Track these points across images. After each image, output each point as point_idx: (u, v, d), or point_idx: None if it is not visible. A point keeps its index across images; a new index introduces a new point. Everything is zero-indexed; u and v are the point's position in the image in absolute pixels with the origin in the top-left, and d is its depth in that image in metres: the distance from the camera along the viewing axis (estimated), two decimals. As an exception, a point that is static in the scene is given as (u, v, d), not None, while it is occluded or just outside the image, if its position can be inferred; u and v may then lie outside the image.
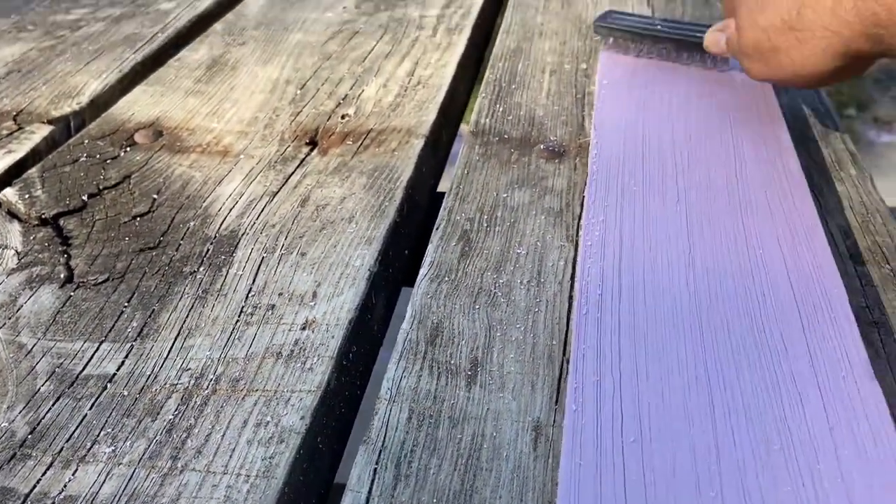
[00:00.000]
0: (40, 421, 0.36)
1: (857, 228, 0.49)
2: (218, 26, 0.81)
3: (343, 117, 0.62)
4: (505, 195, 0.52)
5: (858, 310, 0.42)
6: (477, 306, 0.43)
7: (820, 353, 0.36)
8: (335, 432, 0.38)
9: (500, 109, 0.63)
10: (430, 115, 0.62)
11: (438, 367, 0.39)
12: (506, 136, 0.59)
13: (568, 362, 0.39)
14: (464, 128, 0.66)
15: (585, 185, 0.52)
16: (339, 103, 0.65)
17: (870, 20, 0.43)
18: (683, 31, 0.66)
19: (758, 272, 0.42)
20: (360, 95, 0.66)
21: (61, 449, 0.35)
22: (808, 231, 0.44)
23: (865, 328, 0.41)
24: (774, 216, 0.46)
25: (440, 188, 0.63)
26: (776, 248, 0.43)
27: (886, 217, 0.50)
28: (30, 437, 0.35)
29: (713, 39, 0.61)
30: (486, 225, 0.49)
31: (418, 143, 0.58)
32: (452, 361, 0.39)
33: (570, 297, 0.43)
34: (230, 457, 0.34)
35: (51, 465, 0.34)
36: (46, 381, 0.38)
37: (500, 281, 0.45)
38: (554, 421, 0.36)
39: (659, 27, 0.67)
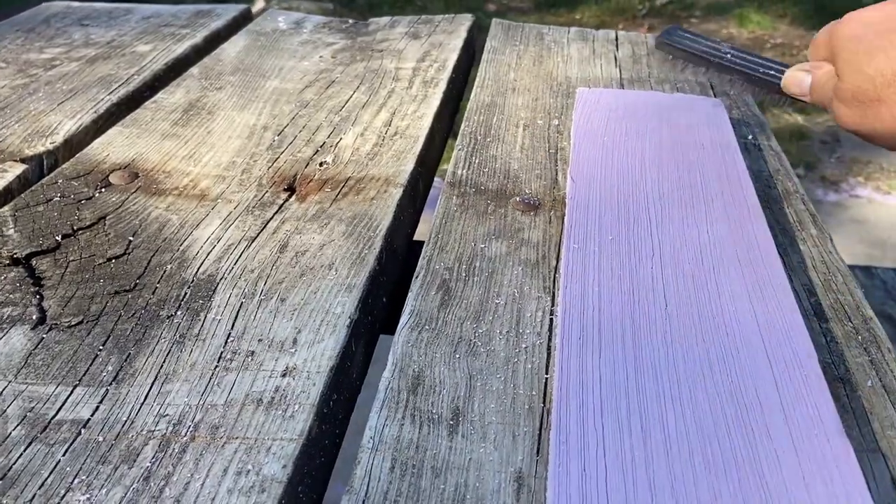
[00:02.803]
0: (11, 467, 0.35)
1: (820, 286, 0.51)
2: (195, 70, 0.81)
3: (321, 164, 0.63)
4: (482, 245, 0.53)
5: (825, 365, 0.44)
6: (457, 355, 0.43)
7: (793, 409, 0.37)
8: (315, 481, 0.38)
9: (476, 161, 0.65)
10: (408, 165, 0.63)
11: (420, 416, 0.39)
12: (482, 188, 0.61)
13: (548, 413, 0.39)
14: (438, 179, 0.67)
15: (561, 237, 0.54)
16: (317, 150, 0.65)
17: None
18: (756, 66, 0.61)
19: (731, 327, 0.43)
20: (337, 143, 0.66)
21: (34, 496, 0.34)
22: (776, 289, 0.46)
23: (832, 383, 0.43)
24: (745, 274, 0.47)
25: (416, 236, 0.64)
26: (748, 304, 0.45)
27: (847, 276, 0.52)
28: (0, 483, 0.34)
29: (794, 79, 0.57)
30: (464, 275, 0.50)
31: (397, 193, 0.59)
32: (434, 410, 0.39)
33: (549, 348, 0.44)
34: (210, 506, 0.33)
35: (21, 513, 0.33)
36: (17, 425, 0.37)
37: (480, 330, 0.45)
38: (536, 472, 0.36)
39: (729, 56, 0.62)
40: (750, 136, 0.72)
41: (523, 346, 0.44)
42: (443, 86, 0.80)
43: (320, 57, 0.87)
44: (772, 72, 0.60)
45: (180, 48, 0.87)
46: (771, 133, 0.74)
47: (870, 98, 0.47)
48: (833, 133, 2.79)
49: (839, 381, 0.43)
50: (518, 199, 0.59)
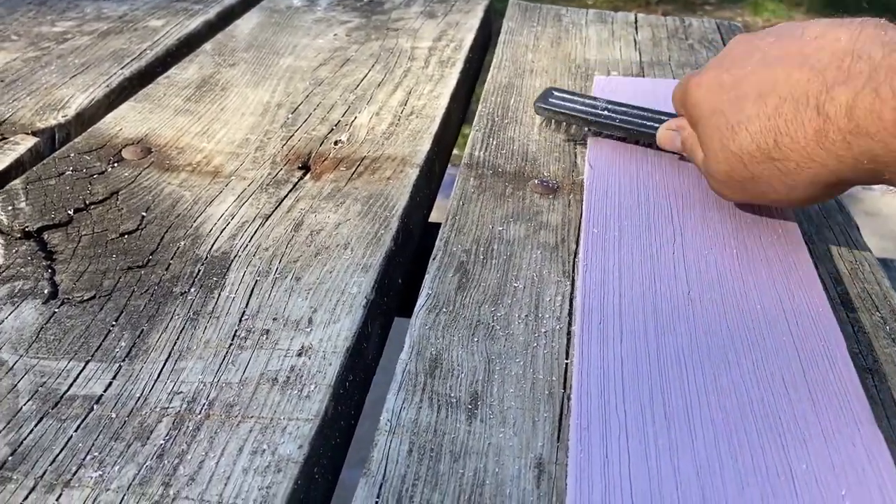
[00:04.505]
0: (22, 442, 0.34)
1: (847, 275, 0.50)
2: (208, 46, 0.80)
3: (336, 143, 0.62)
4: (500, 228, 0.52)
5: (852, 355, 0.43)
6: (475, 339, 0.42)
7: (821, 397, 0.36)
8: (331, 462, 0.37)
9: (494, 143, 0.64)
10: (425, 145, 0.62)
11: (438, 400, 0.38)
12: (500, 170, 0.60)
13: (568, 399, 0.39)
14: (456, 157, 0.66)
15: (580, 221, 0.53)
16: (332, 129, 0.64)
17: (865, 155, 0.38)
18: (633, 120, 0.59)
19: (756, 313, 0.42)
20: (352, 122, 0.65)
21: (45, 472, 0.33)
22: (803, 275, 0.45)
23: (860, 374, 0.42)
24: (770, 260, 0.46)
25: (432, 218, 0.63)
26: (773, 290, 0.44)
27: (874, 265, 0.51)
28: (10, 458, 0.33)
29: (667, 138, 0.55)
30: (482, 257, 0.49)
31: (413, 173, 0.58)
32: (452, 394, 0.39)
33: (569, 333, 0.43)
34: (225, 485, 0.32)
35: (33, 488, 0.32)
36: (29, 400, 0.37)
37: (498, 314, 0.44)
38: (556, 458, 0.35)
39: (605, 112, 0.60)
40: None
41: (542, 330, 0.43)
42: (459, 66, 0.78)
43: (335, 35, 0.86)
44: (647, 126, 0.58)
45: (193, 24, 0.86)
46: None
47: (744, 177, 0.45)
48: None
49: (867, 372, 0.42)
50: (536, 181, 0.58)
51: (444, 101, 0.70)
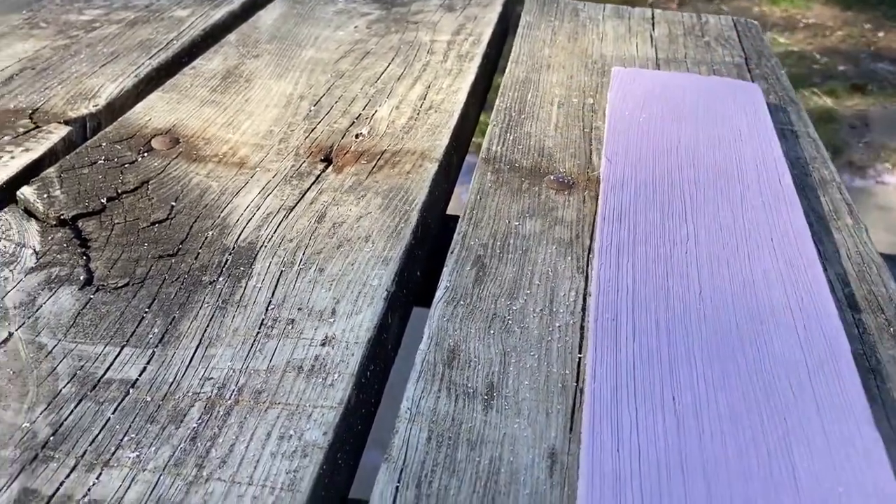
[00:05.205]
0: (62, 423, 0.36)
1: (854, 277, 0.51)
2: (232, 37, 0.82)
3: (357, 136, 0.63)
4: (517, 223, 0.54)
5: (857, 356, 0.44)
6: (492, 332, 0.44)
7: (824, 397, 0.38)
8: (353, 448, 0.39)
9: (511, 138, 0.65)
10: (443, 140, 0.63)
11: (456, 390, 0.40)
12: (516, 165, 0.61)
13: (581, 392, 0.40)
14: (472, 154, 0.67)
15: (595, 218, 0.54)
16: (353, 122, 0.66)
17: None
18: None
19: (765, 314, 0.43)
20: (373, 115, 0.67)
21: (84, 452, 0.35)
22: (811, 278, 0.46)
23: (863, 374, 0.43)
24: (779, 262, 0.48)
25: (449, 210, 0.65)
26: (782, 292, 0.45)
27: (881, 267, 0.52)
28: (52, 438, 0.36)
29: None
30: (499, 251, 0.51)
31: (432, 167, 0.59)
32: (469, 384, 0.40)
33: (582, 328, 0.45)
34: (255, 468, 0.34)
35: (74, 467, 0.34)
36: (68, 382, 0.39)
37: (514, 308, 0.46)
38: (569, 449, 0.37)
39: None
40: (787, 122, 0.72)
41: (557, 324, 0.45)
42: (478, 60, 0.80)
43: (355, 27, 0.87)
44: None
45: (218, 14, 0.87)
46: (808, 119, 0.73)
47: None
48: (863, 117, 2.75)
49: (870, 373, 0.44)
50: (552, 177, 0.60)
51: (462, 97, 0.71)
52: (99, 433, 0.36)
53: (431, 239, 0.58)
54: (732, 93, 0.70)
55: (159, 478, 0.34)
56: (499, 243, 0.52)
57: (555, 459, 0.37)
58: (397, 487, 0.34)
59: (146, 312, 0.43)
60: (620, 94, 0.70)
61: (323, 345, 0.42)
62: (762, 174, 0.57)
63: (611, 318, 0.43)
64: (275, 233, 0.51)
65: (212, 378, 0.39)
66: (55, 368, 0.39)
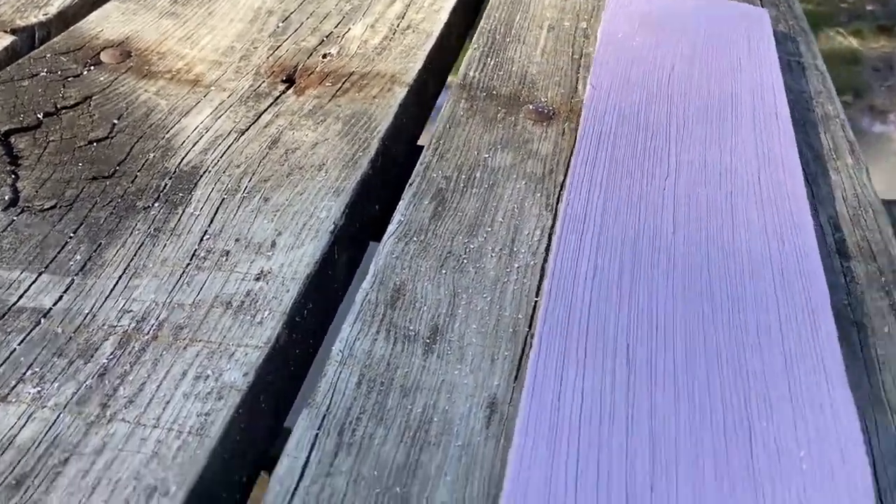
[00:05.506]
0: (-36, 353, 0.34)
1: (848, 222, 0.47)
2: (203, -54, 0.76)
3: (325, 56, 0.59)
4: (486, 155, 0.50)
5: (840, 308, 0.41)
6: (444, 271, 0.41)
7: (795, 354, 0.34)
8: (280, 392, 0.36)
9: (492, 63, 0.60)
10: (417, 63, 0.59)
11: (396, 332, 0.37)
12: (494, 93, 0.57)
13: (532, 338, 0.37)
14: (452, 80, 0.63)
15: (572, 152, 0.50)
16: (323, 41, 0.61)
17: None
18: None
19: (741, 260, 0.40)
20: (345, 34, 0.62)
21: (-17, 386, 0.32)
22: (798, 223, 0.42)
23: (845, 327, 0.40)
24: (765, 204, 0.44)
25: (421, 142, 0.61)
26: (763, 236, 0.41)
27: (879, 212, 0.48)
28: (-49, 369, 0.33)
29: None
30: (462, 185, 0.47)
31: (401, 92, 0.55)
32: (411, 327, 0.37)
33: (543, 269, 0.41)
34: (164, 409, 0.32)
35: (-30, 402, 0.32)
36: (-24, 310, 0.36)
37: (472, 246, 0.42)
38: (511, 399, 0.34)
39: None
40: (794, 53, 0.66)
41: (516, 265, 0.41)
42: (466, -22, 0.74)
43: (339, -61, 0.81)
44: None
45: (191, -79, 0.81)
46: (818, 51, 0.68)
47: None
48: (887, 60, 2.63)
49: (853, 326, 0.40)
50: (531, 107, 0.55)
51: (444, 16, 0.66)
52: (1, 365, 0.33)
53: (397, 171, 0.54)
54: (736, 18, 0.64)
55: (58, 416, 0.31)
56: (464, 176, 0.48)
57: (494, 409, 0.34)
58: (317, 434, 0.31)
59: (71, 238, 0.40)
60: (615, 17, 0.64)
61: (257, 279, 0.39)
62: (758, 107, 0.53)
63: (571, 258, 0.39)
64: (221, 157, 0.47)
65: (131, 311, 0.36)
66: (-35, 295, 0.36)
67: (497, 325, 0.38)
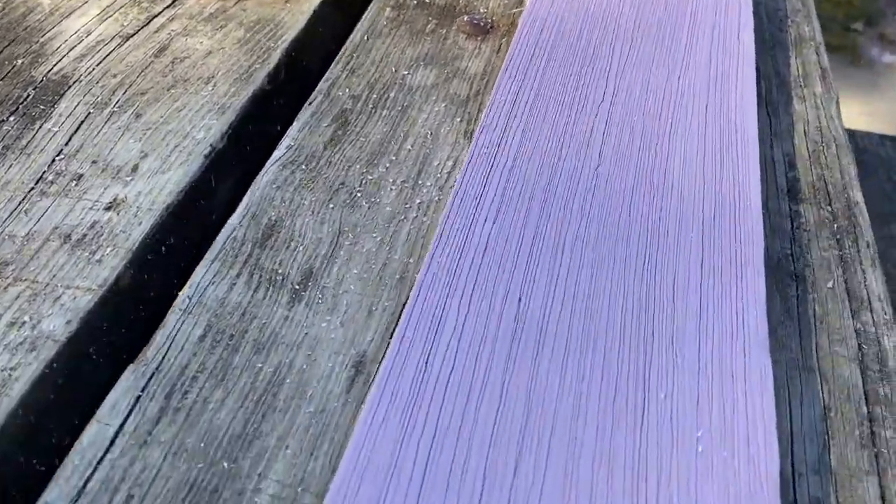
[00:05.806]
0: None
1: (805, 159, 0.42)
2: None
3: (240, -46, 0.52)
4: (406, 73, 0.44)
5: (780, 257, 0.36)
6: (331, 205, 0.35)
7: (713, 311, 0.30)
8: (125, 344, 0.32)
9: (430, -32, 0.53)
10: (343, -36, 0.52)
11: (261, 276, 0.32)
12: (426, 1, 0.50)
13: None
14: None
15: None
16: (241, -63, 0.54)
17: None
18: None
19: (670, 200, 0.34)
20: (268, -70, 0.55)
21: None
22: (740, 160, 0.37)
23: (783, 280, 0.35)
24: (708, 136, 0.38)
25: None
26: (699, 174, 0.36)
27: (842, 148, 0.43)
28: None
29: None
30: (371, 106, 0.41)
31: (319, -3, 0.48)
32: (280, 270, 0.32)
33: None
34: (-36, 363, 0.27)
35: None
36: None
37: (370, 177, 0.37)
38: (383, 357, 0.30)
39: None
40: (774, -34, 0.59)
41: (417, 201, 0.36)
42: None
43: None
44: None
45: None
46: (802, -36, 0.60)
47: None
48: (905, -15, 2.50)
49: (793, 279, 0.35)
50: (466, 18, 0.49)
51: (382, -88, 0.58)
52: None
53: (308, 88, 0.48)
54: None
55: None
56: (375, 96, 0.42)
57: (360, 370, 0.29)
58: (139, 397, 0.27)
59: None
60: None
61: (108, 209, 0.33)
62: (718, 25, 0.46)
63: (473, 196, 0.34)
64: (97, 66, 0.41)
65: (-48, 243, 0.31)
66: None
67: (383, 271, 0.33)
